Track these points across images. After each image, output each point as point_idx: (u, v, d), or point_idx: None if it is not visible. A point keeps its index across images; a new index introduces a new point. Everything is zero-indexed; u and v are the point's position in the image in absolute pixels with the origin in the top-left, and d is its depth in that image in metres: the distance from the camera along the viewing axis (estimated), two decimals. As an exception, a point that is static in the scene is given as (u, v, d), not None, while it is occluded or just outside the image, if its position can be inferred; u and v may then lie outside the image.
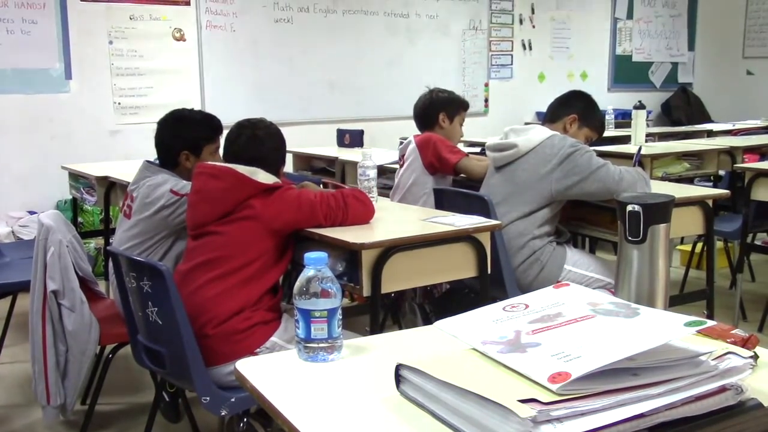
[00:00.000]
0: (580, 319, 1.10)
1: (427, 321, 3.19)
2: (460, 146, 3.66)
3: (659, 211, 1.51)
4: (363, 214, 2.46)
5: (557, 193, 2.85)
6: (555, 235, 2.96)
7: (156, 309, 2.17)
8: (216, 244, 2.31)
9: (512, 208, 2.89)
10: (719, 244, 4.74)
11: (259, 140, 2.46)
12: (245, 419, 2.24)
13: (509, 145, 2.97)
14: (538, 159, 2.87)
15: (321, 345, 1.29)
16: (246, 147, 2.45)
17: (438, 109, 3.56)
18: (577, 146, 2.85)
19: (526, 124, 3.18)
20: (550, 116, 3.15)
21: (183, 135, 2.80)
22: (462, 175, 3.47)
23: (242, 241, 2.29)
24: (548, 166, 2.84)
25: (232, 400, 2.14)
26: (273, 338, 2.28)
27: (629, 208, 1.50)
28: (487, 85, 7.64)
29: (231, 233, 2.30)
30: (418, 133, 3.63)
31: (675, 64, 9.07)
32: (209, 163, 2.44)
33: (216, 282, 2.27)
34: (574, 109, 3.11)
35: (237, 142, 2.47)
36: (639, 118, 4.79)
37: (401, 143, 3.94)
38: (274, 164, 2.46)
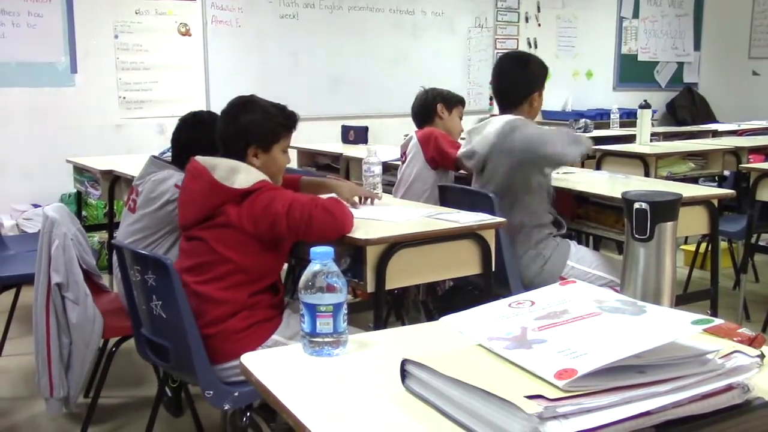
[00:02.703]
0: (586, 316, 1.10)
1: (431, 318, 3.19)
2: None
3: (666, 208, 1.50)
4: (330, 226, 2.22)
5: (530, 171, 2.90)
6: (554, 226, 2.95)
7: (160, 302, 2.17)
8: (201, 250, 2.25)
9: (503, 203, 2.90)
10: (723, 244, 4.73)
11: (236, 119, 2.36)
12: (248, 413, 2.24)
13: (470, 153, 3.04)
14: (502, 148, 2.91)
15: (326, 339, 1.29)
16: (227, 125, 2.37)
17: (436, 101, 3.63)
18: (513, 123, 2.92)
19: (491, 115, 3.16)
20: (508, 101, 3.06)
21: (200, 138, 2.72)
22: (462, 171, 3.47)
23: (226, 246, 2.21)
24: (512, 151, 2.89)
25: (236, 394, 2.14)
26: (274, 336, 2.26)
27: (636, 205, 1.50)
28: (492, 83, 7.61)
29: (212, 240, 2.22)
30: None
31: (680, 64, 9.05)
32: (197, 158, 2.33)
33: (207, 285, 2.21)
34: (529, 82, 3.06)
35: (221, 121, 2.39)
36: (644, 118, 4.78)
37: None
38: (255, 141, 2.32)
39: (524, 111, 3.02)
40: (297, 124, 2.43)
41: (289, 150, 4.60)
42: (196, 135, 2.76)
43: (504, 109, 3.06)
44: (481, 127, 3.03)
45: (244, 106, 2.37)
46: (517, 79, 3.06)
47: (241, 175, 2.23)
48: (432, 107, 3.62)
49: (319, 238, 2.17)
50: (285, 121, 2.39)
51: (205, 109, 3.28)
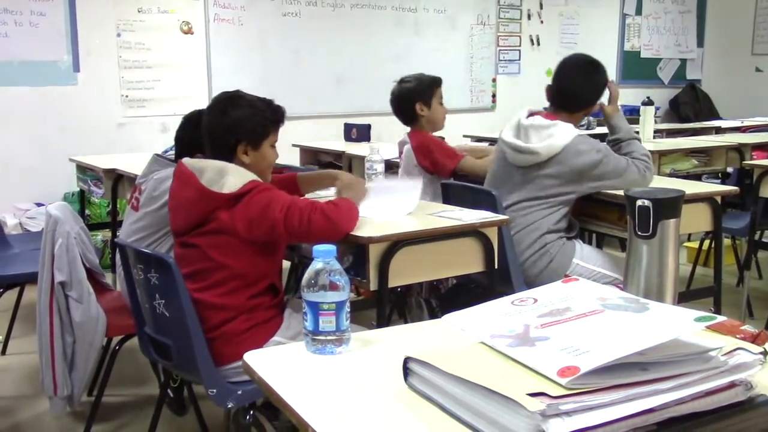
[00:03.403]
0: (589, 314, 1.10)
1: (434, 315, 3.19)
2: (466, 141, 3.61)
3: (669, 206, 1.50)
4: (329, 231, 2.17)
5: (583, 194, 2.87)
6: (567, 230, 2.95)
7: (163, 301, 2.17)
8: (195, 258, 2.22)
9: (530, 205, 2.87)
10: (727, 241, 4.72)
11: (223, 116, 2.28)
12: (251, 412, 2.24)
13: (529, 150, 2.83)
14: (563, 166, 2.80)
15: (329, 338, 1.29)
16: (213, 123, 2.30)
17: (412, 101, 3.42)
18: (603, 152, 2.81)
19: (543, 109, 2.98)
20: (568, 104, 2.95)
21: (198, 135, 2.75)
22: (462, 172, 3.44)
23: (220, 252, 2.18)
24: (575, 175, 2.81)
25: (239, 392, 2.14)
26: (275, 337, 2.24)
27: (639, 203, 1.49)
28: (494, 80, 7.62)
29: (206, 246, 2.19)
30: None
31: (684, 61, 9.04)
32: (184, 161, 2.29)
33: (205, 292, 2.19)
34: (594, 92, 2.97)
35: (207, 118, 2.33)
36: (647, 115, 4.77)
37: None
38: (244, 139, 2.26)
39: (578, 117, 2.95)
40: (284, 117, 2.38)
41: (292, 148, 4.58)
42: (199, 134, 2.75)
43: (558, 110, 2.94)
44: (542, 127, 2.83)
45: (230, 102, 2.30)
46: (583, 86, 2.97)
47: (230, 177, 2.17)
48: (411, 108, 3.42)
49: (320, 242, 2.15)
50: (273, 116, 2.33)
51: None
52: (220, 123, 2.29)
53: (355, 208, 2.32)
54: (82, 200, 4.77)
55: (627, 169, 2.85)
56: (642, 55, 8.72)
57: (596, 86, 2.99)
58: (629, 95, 8.07)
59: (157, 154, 2.90)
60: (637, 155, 2.93)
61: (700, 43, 9.10)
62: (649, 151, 4.18)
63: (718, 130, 5.77)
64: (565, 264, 2.86)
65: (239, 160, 2.27)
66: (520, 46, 7.79)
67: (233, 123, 2.27)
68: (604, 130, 5.65)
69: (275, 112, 2.34)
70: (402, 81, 3.48)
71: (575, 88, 2.96)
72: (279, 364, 1.27)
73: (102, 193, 4.16)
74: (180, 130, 2.81)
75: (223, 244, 2.18)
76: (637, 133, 4.76)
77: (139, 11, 5.75)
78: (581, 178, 2.82)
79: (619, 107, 3.10)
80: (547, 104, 3.05)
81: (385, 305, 2.39)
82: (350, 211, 2.30)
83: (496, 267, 2.50)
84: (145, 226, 2.72)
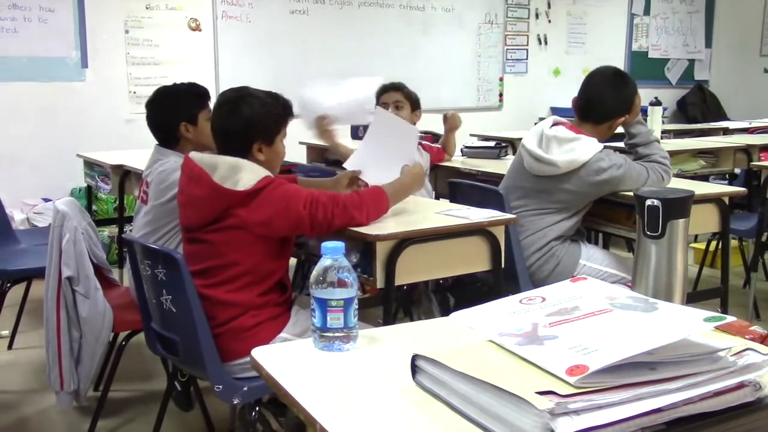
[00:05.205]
0: (597, 313, 1.10)
1: (444, 307, 3.20)
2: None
3: (678, 206, 1.50)
4: (348, 225, 2.24)
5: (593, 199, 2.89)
6: (574, 234, 2.96)
7: (170, 297, 2.18)
8: (207, 254, 2.21)
9: (541, 212, 2.87)
10: (733, 242, 4.71)
11: (235, 115, 2.25)
12: (257, 408, 2.25)
13: (549, 162, 2.80)
14: (582, 182, 2.79)
15: (337, 334, 1.29)
16: (226, 123, 2.27)
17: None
18: (623, 167, 2.79)
19: (569, 119, 2.93)
20: (593, 115, 2.92)
21: (177, 108, 2.82)
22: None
23: (232, 249, 2.18)
24: (594, 189, 2.81)
25: (245, 389, 2.15)
26: (282, 334, 2.25)
27: (648, 202, 1.49)
28: (501, 79, 7.61)
29: (219, 242, 2.19)
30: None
31: (692, 61, 9.01)
32: (193, 156, 2.27)
33: (216, 288, 2.20)
34: (620, 104, 2.92)
35: (219, 118, 2.30)
36: (655, 115, 4.75)
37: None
38: (259, 138, 2.26)
39: (601, 131, 2.91)
40: (293, 110, 2.37)
41: (299, 146, 4.60)
42: (170, 107, 2.83)
43: (583, 121, 2.92)
44: (565, 140, 2.80)
45: (241, 101, 2.27)
46: (610, 97, 2.91)
47: (244, 174, 2.16)
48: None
49: (338, 231, 2.22)
50: (283, 111, 2.33)
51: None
52: (232, 123, 2.26)
53: (385, 200, 2.35)
54: (89, 196, 4.78)
55: (648, 177, 2.85)
56: (650, 56, 8.69)
57: (623, 98, 2.93)
58: (637, 95, 8.05)
59: (158, 144, 2.91)
60: (657, 158, 2.91)
61: (708, 43, 9.07)
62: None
63: (726, 131, 5.76)
64: (572, 266, 2.86)
65: (254, 158, 2.26)
66: (527, 45, 7.78)
67: (246, 123, 2.25)
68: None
69: (285, 107, 2.34)
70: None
71: (601, 99, 2.91)
72: (287, 360, 1.27)
73: (109, 189, 4.17)
74: (152, 115, 2.88)
75: (236, 241, 2.18)
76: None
77: (147, 8, 5.76)
78: (599, 192, 2.83)
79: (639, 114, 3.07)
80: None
81: (391, 303, 2.39)
82: (377, 203, 2.33)
83: (502, 266, 2.50)
84: (152, 219, 2.72)
